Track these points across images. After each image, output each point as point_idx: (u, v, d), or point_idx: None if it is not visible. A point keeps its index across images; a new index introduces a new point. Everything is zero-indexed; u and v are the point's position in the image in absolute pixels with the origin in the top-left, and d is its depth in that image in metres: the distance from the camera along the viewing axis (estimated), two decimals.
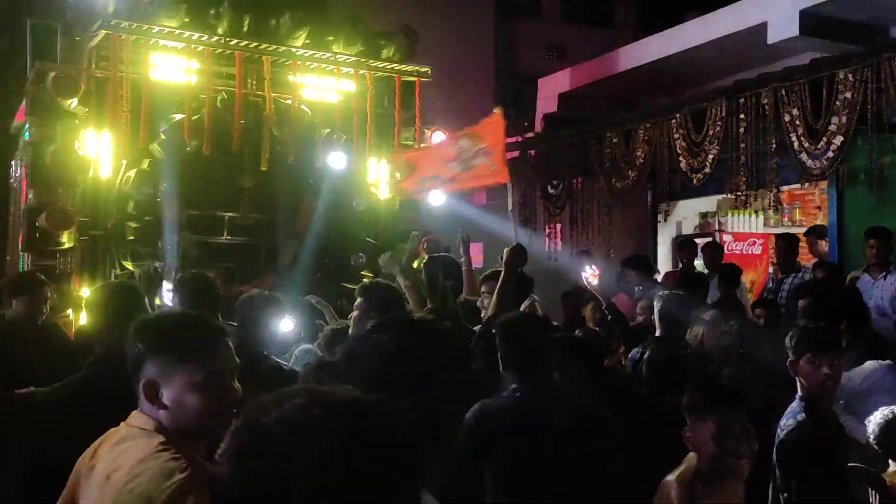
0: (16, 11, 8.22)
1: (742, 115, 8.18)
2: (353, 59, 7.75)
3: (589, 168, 10.30)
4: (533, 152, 11.50)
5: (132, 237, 6.98)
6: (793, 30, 8.32)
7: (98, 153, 6.80)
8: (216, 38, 7.11)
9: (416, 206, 7.97)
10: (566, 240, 11.18)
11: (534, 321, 3.56)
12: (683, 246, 9.00)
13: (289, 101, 7.52)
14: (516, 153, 11.63)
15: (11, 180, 9.12)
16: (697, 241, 9.37)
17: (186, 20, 7.03)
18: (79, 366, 3.27)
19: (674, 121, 8.95)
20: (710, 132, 8.50)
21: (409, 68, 8.07)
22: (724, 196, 10.15)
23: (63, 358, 4.58)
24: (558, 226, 11.36)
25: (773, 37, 8.49)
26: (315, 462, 0.97)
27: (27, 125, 7.30)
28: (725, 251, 9.52)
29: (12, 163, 9.17)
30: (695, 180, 8.72)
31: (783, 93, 7.78)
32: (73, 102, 6.73)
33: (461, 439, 3.02)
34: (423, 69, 8.12)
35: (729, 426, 2.91)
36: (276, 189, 7.71)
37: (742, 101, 8.18)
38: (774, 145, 7.90)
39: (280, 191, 7.74)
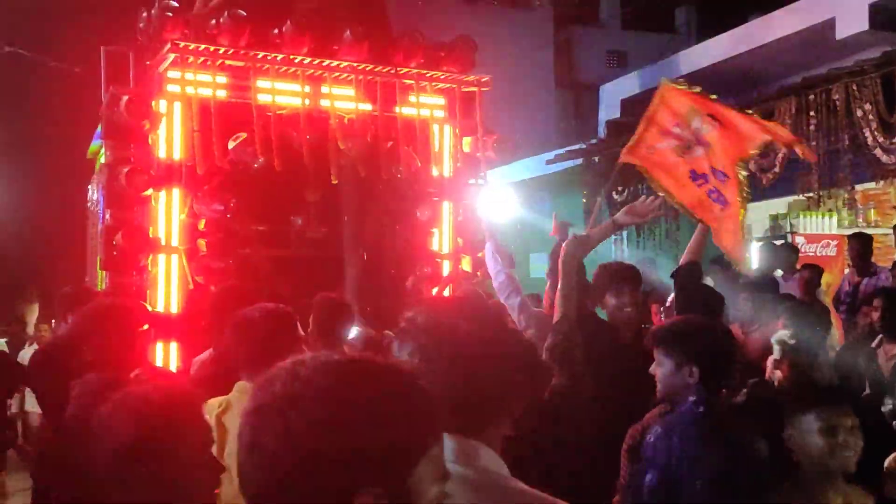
0: (90, 41, 8.56)
1: (812, 113, 7.96)
2: (414, 70, 7.81)
3: None
4: (597, 159, 11.40)
5: (204, 252, 7.15)
6: (862, 24, 8.11)
7: (170, 172, 7.00)
8: (280, 56, 7.26)
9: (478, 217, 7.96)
10: (633, 247, 11.03)
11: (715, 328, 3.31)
12: (765, 249, 8.73)
13: (352, 115, 7.62)
14: (580, 160, 11.55)
15: (89, 204, 9.45)
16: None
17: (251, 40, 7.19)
18: None
19: None
20: None
21: (470, 78, 8.09)
22: (796, 197, 9.89)
23: None
24: (625, 232, 11.22)
25: (841, 32, 8.28)
26: (308, 417, 1.16)
27: (103, 148, 7.57)
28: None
29: (89, 187, 9.51)
30: (764, 181, 8.51)
31: (854, 88, 7.56)
32: (145, 124, 6.95)
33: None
34: (483, 79, 8.13)
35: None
36: (341, 201, 7.81)
37: (812, 97, 7.97)
38: (847, 142, 7.67)
39: (346, 203, 7.83)
